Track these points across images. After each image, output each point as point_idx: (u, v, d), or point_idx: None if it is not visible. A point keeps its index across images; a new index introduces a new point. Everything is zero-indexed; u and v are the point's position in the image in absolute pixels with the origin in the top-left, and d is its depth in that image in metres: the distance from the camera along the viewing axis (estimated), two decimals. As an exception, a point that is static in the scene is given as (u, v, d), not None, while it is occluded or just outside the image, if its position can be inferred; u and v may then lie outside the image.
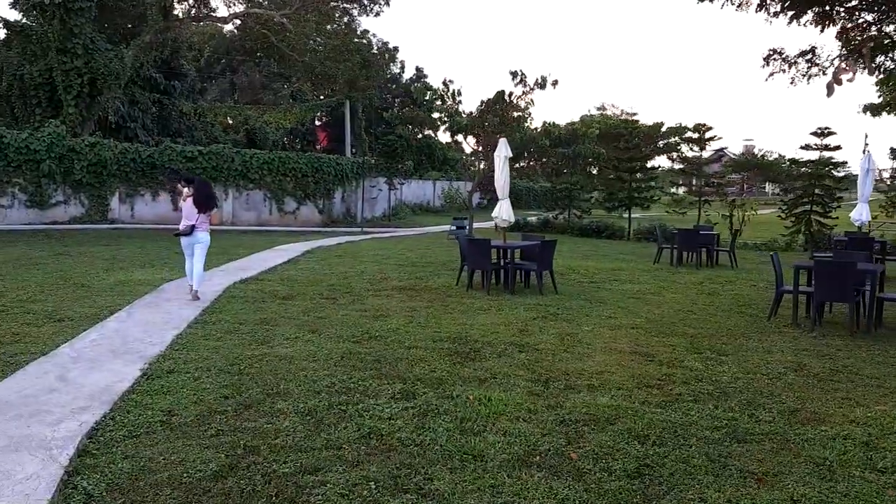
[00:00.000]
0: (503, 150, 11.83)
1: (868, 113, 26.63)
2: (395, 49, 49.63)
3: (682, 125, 40.98)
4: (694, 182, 23.81)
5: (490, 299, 10.68)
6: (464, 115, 19.98)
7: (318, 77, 36.40)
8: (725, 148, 51.78)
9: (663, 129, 43.77)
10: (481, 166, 22.78)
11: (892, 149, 24.41)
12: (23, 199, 22.49)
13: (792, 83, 15.82)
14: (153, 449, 4.40)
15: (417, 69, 58.43)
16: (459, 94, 20.38)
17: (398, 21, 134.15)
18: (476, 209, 46.66)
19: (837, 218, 21.39)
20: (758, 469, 4.29)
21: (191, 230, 10.03)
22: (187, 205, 10.13)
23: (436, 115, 21.03)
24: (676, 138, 41.79)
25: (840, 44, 13.14)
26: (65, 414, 4.89)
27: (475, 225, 23.72)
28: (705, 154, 25.87)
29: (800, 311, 9.44)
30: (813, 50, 14.85)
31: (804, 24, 12.31)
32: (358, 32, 35.46)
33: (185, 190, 10.23)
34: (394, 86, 55.74)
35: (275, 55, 32.52)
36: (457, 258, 16.72)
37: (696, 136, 23.20)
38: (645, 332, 8.52)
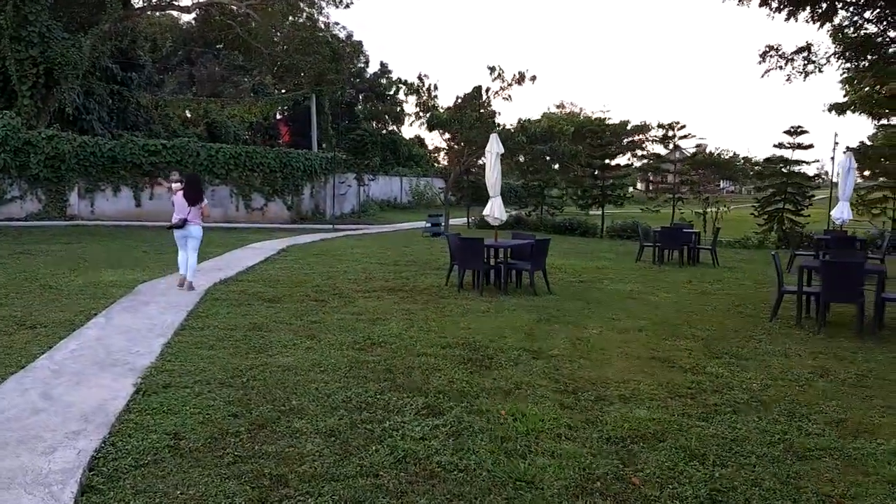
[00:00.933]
0: (495, 146, 11.45)
1: (833, 112, 27.06)
2: (360, 43, 48.87)
3: (647, 123, 41.17)
4: (668, 179, 23.80)
5: (485, 301, 10.30)
6: (441, 110, 19.55)
7: (283, 70, 35.50)
8: (679, 147, 52.57)
9: (628, 127, 43.98)
10: (455, 163, 22.39)
11: (847, 147, 24.78)
12: (-26, 195, 21.28)
13: (788, 80, 15.86)
14: (166, 481, 3.89)
15: (382, 64, 58.10)
16: (436, 88, 19.97)
17: (358, 14, 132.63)
18: (444, 205, 46.48)
19: (809, 216, 21.62)
20: (832, 491, 4.00)
21: (183, 223, 10.40)
22: (178, 198, 10.45)
23: (411, 109, 20.52)
24: (641, 136, 42.03)
25: (833, 42, 13.18)
26: (58, 440, 4.33)
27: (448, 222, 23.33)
28: (683, 152, 26.01)
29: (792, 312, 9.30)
30: (809, 47, 14.85)
31: (806, 21, 12.26)
32: (325, 24, 34.63)
33: (176, 185, 10.54)
34: (358, 80, 54.97)
35: (239, 47, 31.50)
36: (439, 257, 16.35)
37: (670, 133, 23.22)
38: (653, 334, 8.24)
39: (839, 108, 26.93)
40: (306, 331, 7.86)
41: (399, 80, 20.09)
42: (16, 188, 22.00)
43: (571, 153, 23.96)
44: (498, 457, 4.32)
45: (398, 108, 48.22)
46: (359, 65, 50.66)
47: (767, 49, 15.36)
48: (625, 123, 43.83)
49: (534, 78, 19.16)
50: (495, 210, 11.64)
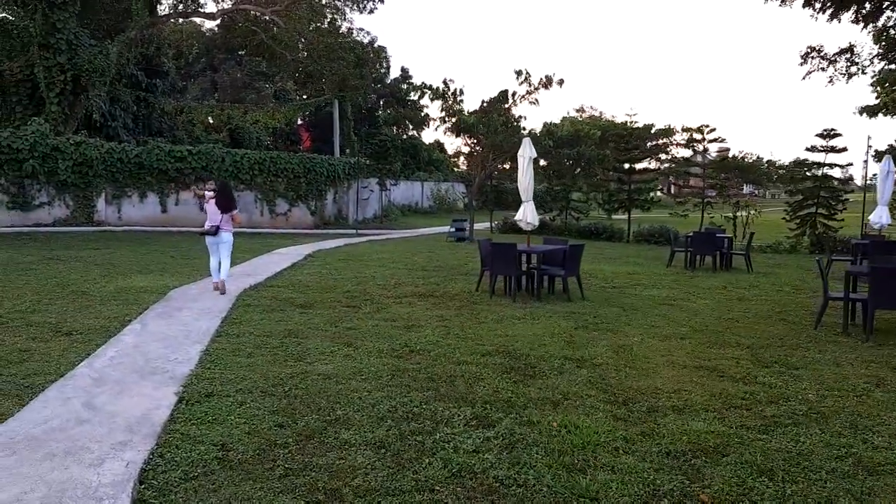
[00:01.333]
0: (528, 150, 11.29)
1: (865, 115, 26.58)
2: (384, 48, 48.92)
3: (671, 127, 40.74)
4: (691, 183, 23.44)
5: (519, 307, 10.13)
6: (468, 114, 19.41)
7: (305, 76, 35.56)
8: (707, 151, 51.98)
9: (652, 130, 43.60)
10: (480, 168, 22.24)
11: (887, 150, 24.23)
12: (4, 201, 21.45)
13: (830, 82, 15.54)
14: (218, 495, 3.77)
15: (403, 69, 57.85)
16: (462, 93, 19.84)
17: (379, 19, 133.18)
18: (465, 209, 46.28)
19: (843, 220, 21.20)
20: (914, 510, 3.79)
21: (216, 230, 10.65)
22: (211, 206, 10.71)
23: (435, 114, 20.39)
24: (665, 139, 41.59)
25: (875, 42, 12.87)
26: (104, 451, 4.23)
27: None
28: (708, 156, 25.65)
29: (833, 318, 9.02)
30: (852, 48, 14.53)
31: (851, 21, 11.99)
32: (349, 30, 34.67)
33: (209, 193, 10.76)
34: (379, 85, 55.05)
35: (263, 53, 31.60)
36: (466, 262, 16.21)
37: (697, 136, 22.89)
38: (696, 342, 8.03)
39: (870, 111, 26.47)
40: (342, 338, 7.75)
41: (424, 85, 19.91)
42: (44, 194, 22.18)
43: (599, 157, 23.70)
44: (557, 471, 4.16)
45: (421, 114, 48.10)
46: (381, 70, 50.64)
47: (809, 50, 15.08)
48: (649, 127, 43.46)
49: (561, 82, 18.99)
50: (528, 215, 11.47)
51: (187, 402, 5.26)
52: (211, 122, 38.48)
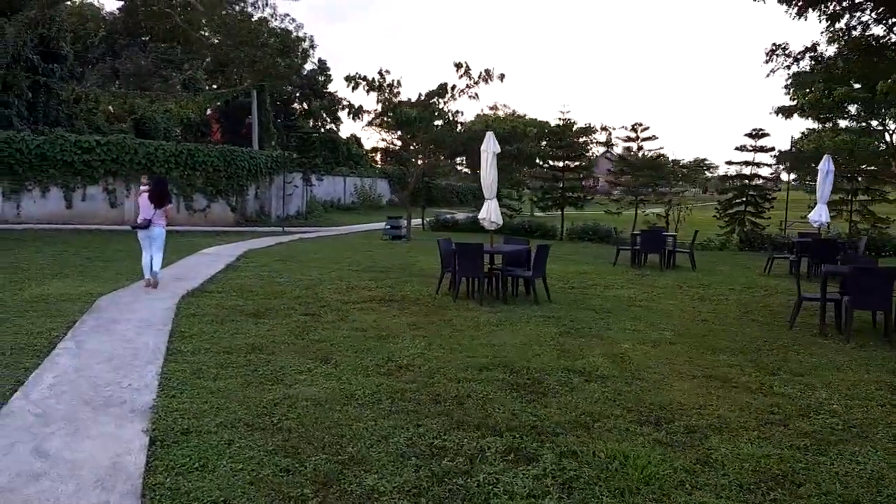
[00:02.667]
0: (491, 145, 10.70)
1: (780, 115, 27.63)
2: (311, 37, 47.06)
3: (591, 125, 41.17)
4: (600, 182, 23.58)
5: (489, 311, 9.54)
6: (408, 107, 18.62)
7: (220, 64, 33.63)
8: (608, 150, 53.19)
9: (574, 128, 43.95)
10: (417, 164, 21.53)
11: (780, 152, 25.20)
12: None
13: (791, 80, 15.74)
14: (241, 576, 2.96)
15: (320, 61, 56.17)
16: (399, 84, 19.04)
17: (294, 9, 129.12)
18: (388, 206, 45.37)
19: (770, 218, 21.84)
20: None
21: (147, 224, 10.42)
22: (143, 199, 10.54)
23: (372, 106, 19.45)
24: (585, 138, 41.92)
25: (830, 43, 13.12)
26: (76, 520, 3.32)
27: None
28: (610, 153, 25.98)
29: (802, 318, 8.94)
30: (815, 46, 14.77)
31: (820, 19, 12.09)
32: (273, 14, 33.02)
33: (143, 187, 10.81)
34: (295, 77, 53.18)
35: (178, 37, 29.58)
36: (413, 262, 15.50)
37: (632, 135, 23.04)
38: (687, 347, 7.68)
39: (786, 112, 27.53)
40: (314, 352, 6.91)
41: (357, 76, 18.93)
42: (-71, 188, 19.83)
43: (540, 153, 23.47)
44: (637, 518, 3.57)
45: (340, 106, 46.76)
46: (297, 60, 48.83)
47: (774, 48, 15.26)
48: (571, 125, 43.77)
49: (502, 76, 18.54)
50: (492, 213, 10.89)
51: (163, 443, 4.34)
52: (112, 111, 35.86)
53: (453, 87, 19.03)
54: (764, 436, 4.89)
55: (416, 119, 17.92)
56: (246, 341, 7.29)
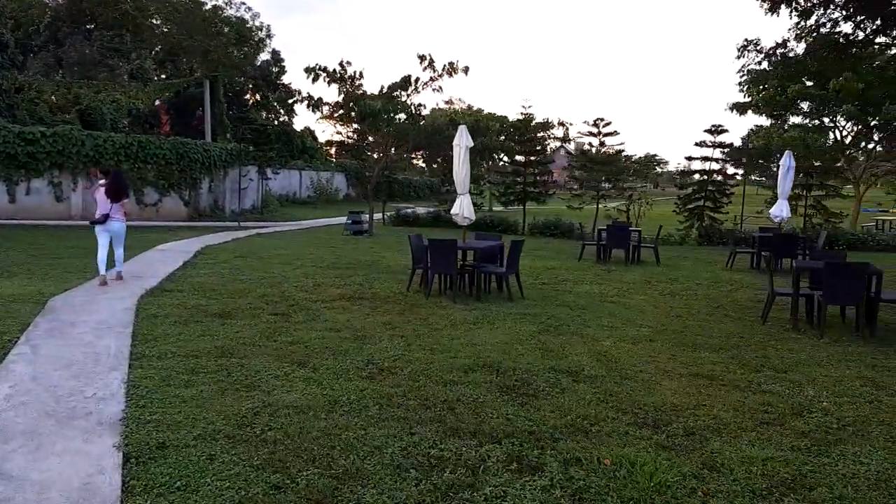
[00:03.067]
0: (464, 139, 10.47)
1: (735, 111, 28.13)
2: (269, 26, 45.82)
3: (549, 121, 41.35)
4: (592, 177, 23.66)
5: (464, 309, 9.33)
6: (372, 99, 18.21)
7: (169, 53, 32.51)
8: (562, 146, 53.47)
9: (532, 123, 44.06)
10: (379, 157, 21.16)
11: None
12: None
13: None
14: None
15: (274, 52, 54.95)
16: (361, 76, 18.62)
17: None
18: (345, 201, 44.72)
19: (728, 213, 22.17)
20: None
21: (105, 219, 10.25)
22: (100, 194, 10.32)
23: (333, 99, 18.92)
24: (543, 133, 42.10)
25: (798, 40, 13.28)
26: (48, 553, 2.97)
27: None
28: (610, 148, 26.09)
29: (772, 313, 9.00)
30: (785, 42, 14.90)
31: (791, 15, 12.19)
32: (227, 3, 32.03)
33: (101, 181, 10.43)
34: (248, 67, 51.93)
35: (127, 24, 28.44)
36: (378, 258, 15.18)
37: (594, 130, 23.09)
38: (667, 345, 7.61)
39: (740, 108, 28.05)
40: (289, 355, 6.59)
41: (318, 67, 18.42)
42: None
43: (503, 147, 23.33)
44: (657, 532, 3.40)
45: (300, 98, 45.74)
46: (250, 51, 47.64)
47: (746, 43, 15.38)
48: (530, 119, 43.83)
49: (466, 69, 18.28)
50: (465, 209, 10.68)
51: (138, 460, 3.99)
52: (55, 101, 34.36)
53: (417, 80, 18.72)
54: (763, 437, 4.79)
55: (380, 111, 17.55)
56: (215, 344, 6.91)
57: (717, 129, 21.44)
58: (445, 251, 9.94)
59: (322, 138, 57.97)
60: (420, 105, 20.24)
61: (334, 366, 6.25)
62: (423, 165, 49.87)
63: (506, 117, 37.11)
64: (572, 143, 31.09)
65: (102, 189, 10.26)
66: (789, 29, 14.10)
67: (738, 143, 39.42)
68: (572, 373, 6.26)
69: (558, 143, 49.45)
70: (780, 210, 14.89)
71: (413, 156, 27.81)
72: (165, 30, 28.52)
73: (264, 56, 53.16)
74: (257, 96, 58.22)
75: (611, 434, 4.73)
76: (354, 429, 4.65)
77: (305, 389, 5.52)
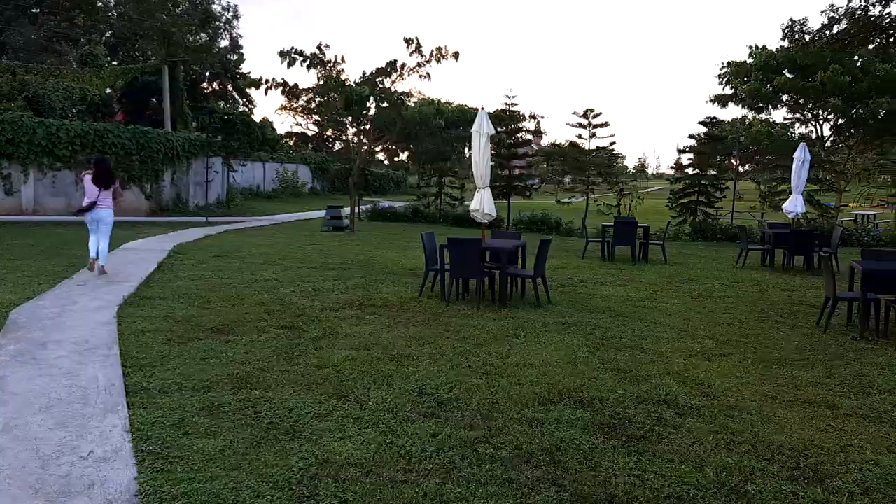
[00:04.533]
0: (485, 125, 9.33)
1: (716, 104, 27.62)
2: (236, 6, 43.38)
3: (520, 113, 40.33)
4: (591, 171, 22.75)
5: (493, 318, 8.25)
6: (358, 84, 16.90)
7: (135, 34, 30.40)
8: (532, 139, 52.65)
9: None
10: (361, 148, 19.86)
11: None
12: None
13: None
14: None
15: (233, 38, 52.75)
16: (343, 60, 17.29)
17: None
18: (310, 194, 43.07)
19: (722, 208, 21.56)
20: None
21: (91, 206, 10.21)
22: (87, 182, 10.31)
23: (312, 84, 17.49)
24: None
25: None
26: None
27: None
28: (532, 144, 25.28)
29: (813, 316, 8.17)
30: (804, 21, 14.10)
31: None
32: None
33: (89, 170, 10.47)
34: (205, 55, 49.63)
35: (75, 7, 26.39)
36: (370, 257, 13.97)
37: (584, 121, 22.17)
38: (745, 361, 6.65)
39: (721, 100, 27.55)
40: (321, 384, 5.41)
41: (294, 51, 17.00)
42: None
43: (493, 139, 22.25)
44: None
45: (272, 85, 43.85)
46: (219, 31, 45.42)
47: (792, 23, 14.59)
48: (515, 112, 42.76)
49: (457, 55, 17.15)
50: (486, 204, 9.56)
51: (177, 570, 2.79)
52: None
53: (403, 66, 17.48)
54: (956, 493, 3.84)
55: (367, 97, 16.27)
56: (226, 371, 5.68)
57: (712, 122, 20.80)
58: (468, 252, 8.83)
59: (280, 129, 56.13)
60: (404, 94, 18.99)
61: (382, 399, 5.10)
62: (382, 157, 48.19)
63: (509, 106, 36.15)
64: (543, 136, 30.14)
65: (89, 177, 10.29)
66: (821, 12, 13.48)
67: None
68: (669, 403, 5.24)
69: (528, 136, 48.64)
70: (795, 205, 14.20)
71: (391, 147, 26.48)
72: (120, 10, 26.51)
73: (223, 43, 51.08)
74: (214, 85, 56.02)
75: (776, 496, 3.71)
76: (453, 500, 3.52)
77: (361, 435, 4.37)
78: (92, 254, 10.36)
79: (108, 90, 42.34)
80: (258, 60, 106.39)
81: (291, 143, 63.07)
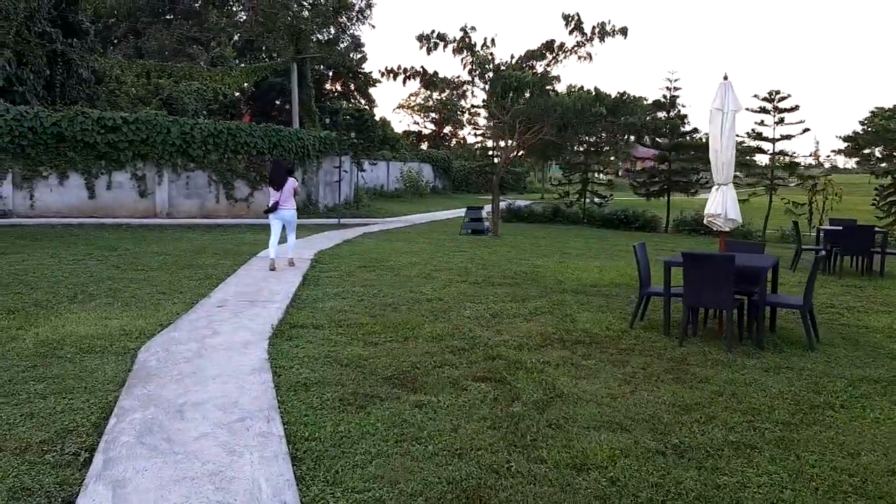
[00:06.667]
0: (729, 100, 6.94)
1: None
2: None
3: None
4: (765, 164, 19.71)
5: (760, 366, 5.93)
6: (512, 68, 14.85)
7: (257, 37, 29.99)
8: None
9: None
10: (502, 144, 17.85)
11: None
12: None
13: None
14: None
15: (353, 37, 52.35)
16: (493, 43, 15.28)
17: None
18: (433, 193, 41.69)
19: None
20: None
21: (274, 207, 10.55)
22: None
23: (466, 70, 15.61)
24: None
25: None
26: None
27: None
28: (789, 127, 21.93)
29: None
30: None
31: None
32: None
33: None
34: (337, 48, 49.38)
35: (207, 9, 25.97)
36: (529, 267, 11.86)
37: (768, 106, 19.00)
38: None
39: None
40: (583, 493, 3.33)
41: (435, 35, 15.18)
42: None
43: (651, 126, 19.76)
44: None
45: (409, 75, 42.88)
46: (350, 23, 44.82)
47: None
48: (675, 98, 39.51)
49: (624, 30, 14.77)
50: (728, 207, 7.18)
51: None
52: (135, 92, 32.45)
53: (561, 46, 15.26)
54: None
55: (527, 84, 14.19)
56: (441, 473, 3.73)
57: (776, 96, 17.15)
58: (717, 274, 6.51)
59: (398, 128, 55.29)
60: (555, 78, 16.73)
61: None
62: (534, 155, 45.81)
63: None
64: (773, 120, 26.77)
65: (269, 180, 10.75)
66: None
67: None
68: None
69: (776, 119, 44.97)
70: None
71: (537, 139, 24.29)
72: (243, 17, 25.92)
73: (345, 42, 50.67)
74: (337, 85, 55.98)
75: None
76: None
77: None
78: (271, 254, 10.69)
79: (237, 94, 42.83)
80: (376, 60, 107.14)
81: (408, 142, 62.39)
